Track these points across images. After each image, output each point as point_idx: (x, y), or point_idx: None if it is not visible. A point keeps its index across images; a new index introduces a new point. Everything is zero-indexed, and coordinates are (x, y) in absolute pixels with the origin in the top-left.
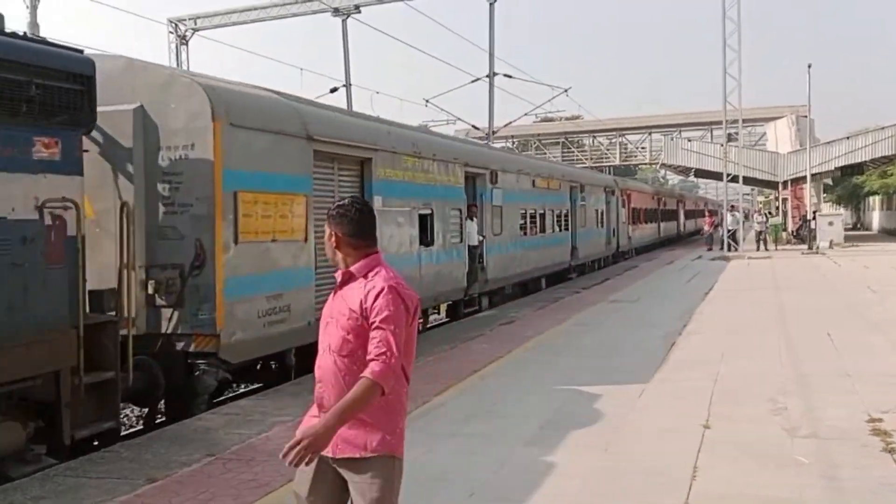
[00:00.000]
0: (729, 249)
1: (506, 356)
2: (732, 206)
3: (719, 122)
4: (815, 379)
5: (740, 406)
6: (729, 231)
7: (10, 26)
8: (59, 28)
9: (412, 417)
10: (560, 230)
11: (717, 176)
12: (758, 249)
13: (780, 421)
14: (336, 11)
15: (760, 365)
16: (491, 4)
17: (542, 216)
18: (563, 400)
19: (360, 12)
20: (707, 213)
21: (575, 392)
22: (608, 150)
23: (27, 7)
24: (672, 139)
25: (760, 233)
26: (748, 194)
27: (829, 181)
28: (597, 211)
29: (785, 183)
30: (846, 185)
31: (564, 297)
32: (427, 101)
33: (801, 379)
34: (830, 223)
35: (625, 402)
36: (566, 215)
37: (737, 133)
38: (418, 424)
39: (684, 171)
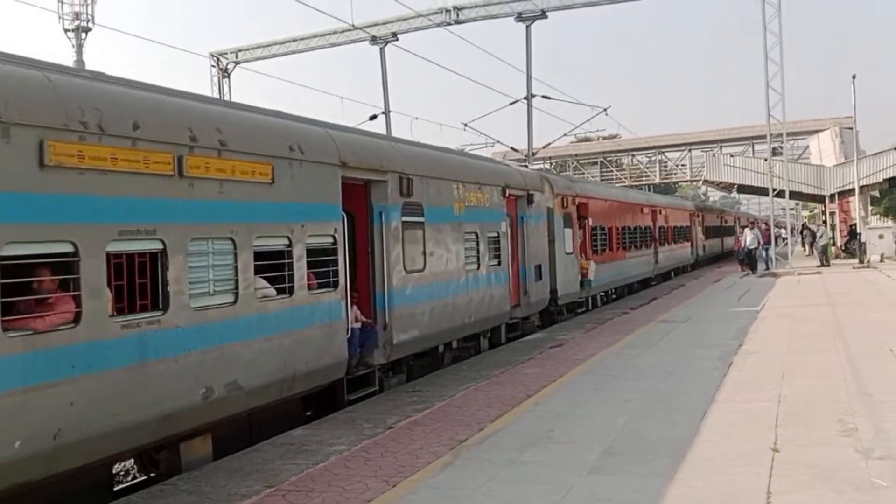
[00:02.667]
0: (753, 271)
1: (559, 380)
2: (752, 222)
3: (761, 137)
4: (882, 398)
5: (808, 428)
6: (749, 249)
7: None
8: (110, 63)
9: (469, 444)
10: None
11: (761, 191)
12: (821, 264)
13: (852, 442)
14: (374, 40)
15: (823, 384)
16: (527, 26)
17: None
18: (622, 424)
19: (397, 39)
20: (740, 229)
21: (634, 416)
22: (647, 168)
23: (73, 45)
24: (714, 155)
25: (824, 247)
26: (793, 209)
27: (875, 193)
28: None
29: (832, 196)
30: (893, 196)
31: (612, 318)
32: (465, 124)
33: (867, 398)
34: (881, 236)
35: (687, 425)
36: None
37: (780, 147)
38: (476, 451)
39: (727, 187)
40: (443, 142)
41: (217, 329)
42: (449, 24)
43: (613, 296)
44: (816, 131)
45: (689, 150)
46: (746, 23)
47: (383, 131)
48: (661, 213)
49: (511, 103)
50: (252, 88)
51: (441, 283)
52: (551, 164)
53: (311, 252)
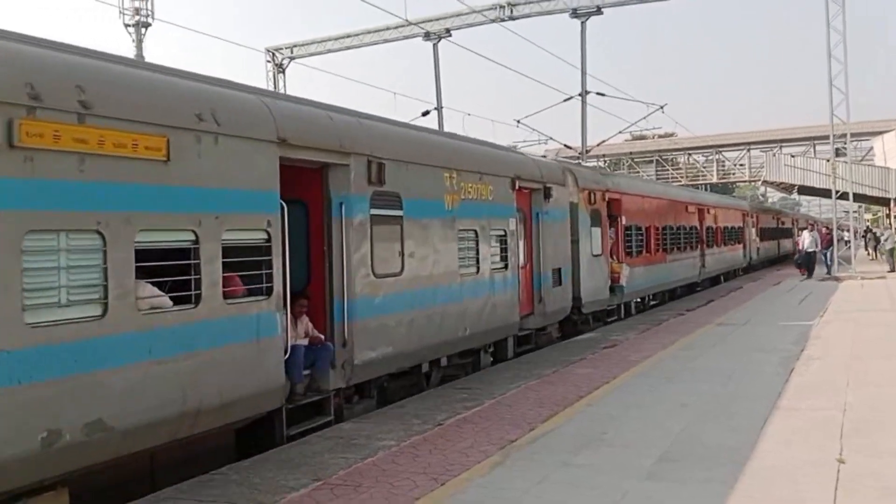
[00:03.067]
0: (810, 275)
1: (612, 381)
2: (812, 224)
3: (824, 137)
4: None
5: (876, 438)
6: (806, 252)
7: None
8: (168, 57)
9: (519, 444)
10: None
11: (822, 193)
12: (891, 269)
13: None
14: (427, 36)
15: (891, 392)
16: (583, 22)
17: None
18: (679, 429)
19: (450, 35)
20: (798, 231)
21: (692, 421)
22: (704, 167)
23: (133, 41)
24: (774, 155)
25: (891, 251)
26: (856, 212)
27: None
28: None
29: None
30: None
31: (668, 318)
32: (518, 121)
33: None
34: None
35: (748, 431)
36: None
37: (844, 148)
38: (526, 452)
39: (787, 188)
40: (495, 139)
41: (71, 352)
42: (503, 20)
43: (653, 302)
44: (881, 132)
45: (749, 150)
46: (809, 19)
47: (436, 128)
48: (709, 212)
49: (565, 100)
50: (308, 84)
51: (425, 290)
52: (605, 161)
53: (231, 251)
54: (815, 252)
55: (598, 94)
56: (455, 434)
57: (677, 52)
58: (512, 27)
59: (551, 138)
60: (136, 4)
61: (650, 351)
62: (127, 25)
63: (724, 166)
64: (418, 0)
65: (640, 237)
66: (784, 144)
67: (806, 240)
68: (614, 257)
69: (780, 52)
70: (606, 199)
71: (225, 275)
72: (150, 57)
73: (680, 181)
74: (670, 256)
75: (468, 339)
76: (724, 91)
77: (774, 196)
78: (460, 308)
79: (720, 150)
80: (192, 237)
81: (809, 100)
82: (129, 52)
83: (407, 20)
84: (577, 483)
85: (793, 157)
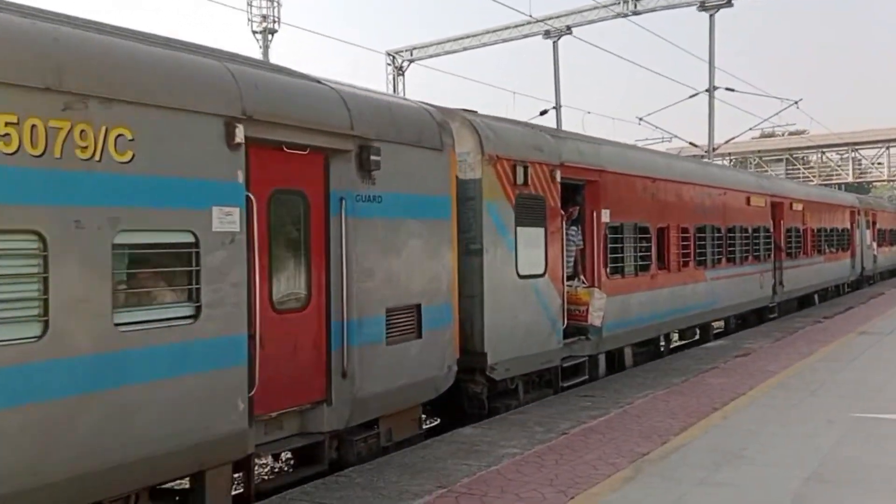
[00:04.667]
0: None
1: (748, 393)
2: None
3: None
4: None
5: None
6: None
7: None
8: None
9: (651, 458)
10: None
11: None
12: None
13: None
14: (547, 34)
15: None
16: (711, 15)
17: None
18: (829, 447)
19: (570, 33)
20: None
21: (841, 438)
22: (839, 166)
23: (260, 46)
24: None
25: None
26: None
27: None
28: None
29: None
30: None
31: (803, 326)
32: (640, 118)
33: None
34: None
35: None
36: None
37: None
38: (660, 467)
39: None
40: (616, 137)
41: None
42: (626, 14)
43: (679, 341)
44: None
45: (888, 148)
46: None
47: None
48: (791, 207)
49: (691, 96)
50: (421, 83)
51: None
52: (731, 160)
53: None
54: None
55: (727, 89)
56: (581, 444)
57: (814, 45)
58: (637, 20)
59: (676, 136)
60: (264, 12)
61: (787, 361)
62: (255, 32)
63: (860, 165)
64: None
65: (646, 243)
66: None
67: None
68: (580, 278)
69: None
70: (556, 178)
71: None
72: (275, 61)
73: (812, 181)
74: (712, 273)
75: None
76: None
77: None
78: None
79: (856, 147)
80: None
81: None
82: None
83: (531, 16)
84: (717, 503)
85: None
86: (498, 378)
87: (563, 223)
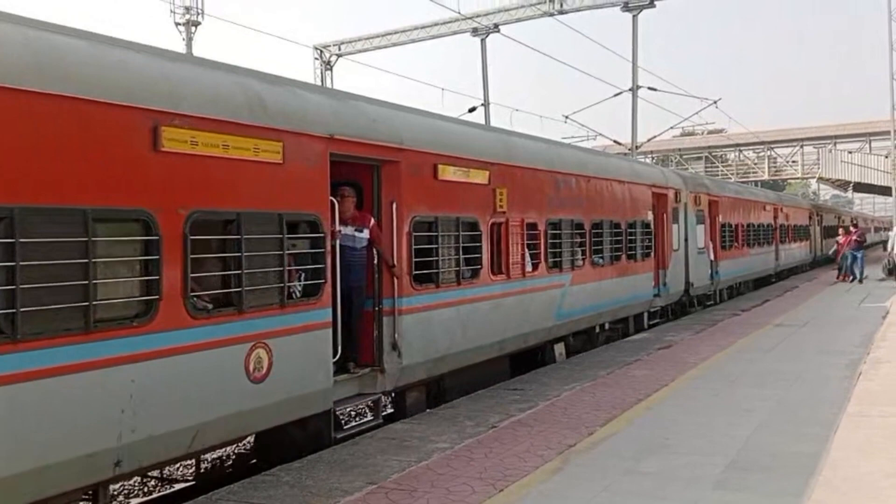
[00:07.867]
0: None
1: (671, 384)
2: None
3: (882, 133)
4: None
5: None
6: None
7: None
8: (217, 53)
9: (578, 450)
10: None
11: (881, 190)
12: None
13: None
14: (475, 31)
15: None
16: (634, 16)
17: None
18: (746, 435)
19: (498, 31)
20: (842, 231)
21: (759, 426)
22: (755, 164)
23: (183, 39)
24: (830, 151)
25: None
26: None
27: None
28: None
29: None
30: None
31: (722, 319)
32: (566, 117)
33: None
34: None
35: (818, 439)
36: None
37: None
38: (587, 458)
39: (843, 185)
40: (544, 135)
41: None
42: (552, 14)
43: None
44: None
45: (801, 146)
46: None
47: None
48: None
49: (615, 94)
50: (351, 77)
51: None
52: (653, 158)
53: None
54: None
55: (649, 88)
56: (510, 437)
57: (731, 47)
58: (564, 20)
59: (601, 134)
60: (187, 3)
61: (708, 353)
62: (177, 24)
63: (775, 163)
64: None
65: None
66: (838, 140)
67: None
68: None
69: (837, 46)
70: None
71: None
72: (198, 53)
73: (730, 178)
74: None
75: None
76: (777, 86)
77: (826, 194)
78: None
79: (772, 146)
80: None
81: (864, 95)
82: (179, 49)
83: (459, 13)
84: (643, 492)
85: (850, 153)
86: None
87: None
